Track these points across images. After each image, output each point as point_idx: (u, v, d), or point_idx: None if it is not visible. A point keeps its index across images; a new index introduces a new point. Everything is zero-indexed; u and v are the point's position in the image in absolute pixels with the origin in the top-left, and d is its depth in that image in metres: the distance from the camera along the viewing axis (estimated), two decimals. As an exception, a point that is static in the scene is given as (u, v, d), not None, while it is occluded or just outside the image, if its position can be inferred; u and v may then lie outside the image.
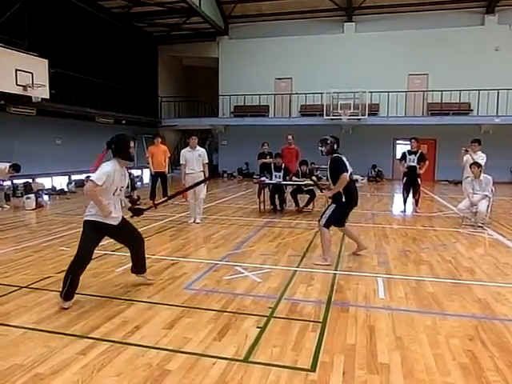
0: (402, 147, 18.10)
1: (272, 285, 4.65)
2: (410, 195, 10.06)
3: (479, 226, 8.06)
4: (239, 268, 5.28)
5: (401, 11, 19.25)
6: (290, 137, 11.37)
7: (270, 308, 3.98)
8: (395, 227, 8.24)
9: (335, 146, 5.60)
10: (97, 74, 16.13)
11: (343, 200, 5.51)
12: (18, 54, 11.28)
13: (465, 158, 9.15)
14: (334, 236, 7.24)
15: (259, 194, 10.12)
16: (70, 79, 14.37)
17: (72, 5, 15.23)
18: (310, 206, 10.02)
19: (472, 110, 18.62)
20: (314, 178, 6.29)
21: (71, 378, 2.76)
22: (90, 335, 3.38)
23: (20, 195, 10.84)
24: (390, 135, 19.62)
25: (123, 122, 18.38)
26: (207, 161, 8.62)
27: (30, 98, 11.56)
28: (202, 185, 8.42)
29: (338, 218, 5.68)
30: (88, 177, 12.33)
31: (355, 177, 18.88)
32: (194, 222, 8.45)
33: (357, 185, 16.40)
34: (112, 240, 6.87)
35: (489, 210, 8.25)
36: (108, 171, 4.03)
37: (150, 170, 11.88)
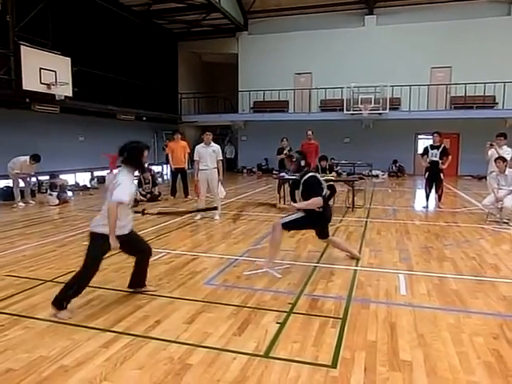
0: (423, 142, 17.76)
1: (292, 280, 4.65)
2: (433, 191, 9.88)
3: (505, 222, 7.87)
4: (259, 263, 5.28)
5: (422, 2, 18.84)
6: (309, 132, 11.30)
7: (289, 304, 3.97)
8: (417, 223, 8.11)
9: (302, 163, 5.22)
10: (118, 72, 16.31)
11: (315, 215, 5.09)
12: (42, 53, 11.49)
13: (490, 153, 8.94)
14: (355, 232, 7.20)
15: (279, 189, 10.10)
16: (92, 77, 14.57)
17: (94, 3, 15.43)
18: (331, 202, 9.91)
19: (497, 103, 18.13)
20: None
21: (95, 371, 2.82)
22: (112, 329, 3.44)
23: (45, 191, 11.08)
24: (411, 130, 19.29)
25: (144, 118, 18.56)
26: (221, 157, 8.60)
27: (54, 95, 11.77)
28: (217, 183, 8.46)
29: (298, 227, 5.40)
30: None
31: (375, 172, 18.78)
32: (201, 218, 8.42)
33: (377, 180, 16.25)
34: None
35: (513, 206, 8.04)
36: (130, 187, 3.88)
37: (170, 167, 12.00)
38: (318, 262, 5.37)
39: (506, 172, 7.99)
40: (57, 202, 10.56)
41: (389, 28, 19.42)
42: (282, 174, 10.09)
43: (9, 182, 11.04)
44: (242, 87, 21.42)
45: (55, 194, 10.69)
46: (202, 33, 21.37)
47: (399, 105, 19.02)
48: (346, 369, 2.83)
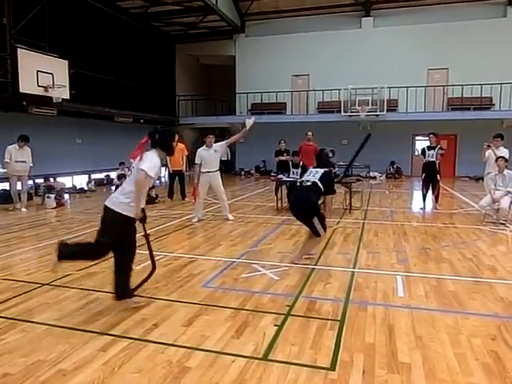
0: (421, 143, 17.80)
1: (289, 283, 4.64)
2: (430, 191, 9.90)
3: (501, 223, 7.89)
4: (257, 266, 5.28)
5: (419, 4, 18.90)
6: (309, 133, 11.33)
7: (287, 306, 3.97)
8: (414, 225, 8.13)
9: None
10: (115, 74, 16.32)
11: None
12: (39, 55, 11.48)
13: (487, 154, 8.98)
14: (352, 234, 7.21)
15: (276, 191, 10.10)
16: (89, 79, 14.56)
17: (91, 6, 15.43)
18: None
19: (494, 105, 18.19)
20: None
21: (93, 374, 2.81)
22: (110, 332, 3.43)
23: (41, 194, 11.05)
24: (408, 131, 19.33)
25: (141, 121, 18.54)
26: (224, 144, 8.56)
27: (51, 98, 11.76)
28: (220, 183, 8.46)
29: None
30: (126, 166, 12.19)
31: (372, 174, 18.79)
32: (199, 221, 8.43)
33: (375, 182, 16.26)
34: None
35: (511, 207, 8.06)
36: (156, 163, 3.83)
37: (168, 169, 11.99)
38: (315, 264, 5.37)
39: (505, 172, 8.02)
40: (54, 205, 10.53)
41: (386, 30, 19.49)
42: (279, 176, 10.10)
43: (5, 185, 10.99)
44: (240, 89, 21.43)
45: (52, 196, 10.66)
46: (199, 35, 21.40)
47: (396, 106, 19.06)
48: (345, 371, 2.83)
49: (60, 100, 12.06)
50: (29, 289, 4.46)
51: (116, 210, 3.79)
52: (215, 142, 8.51)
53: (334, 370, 2.85)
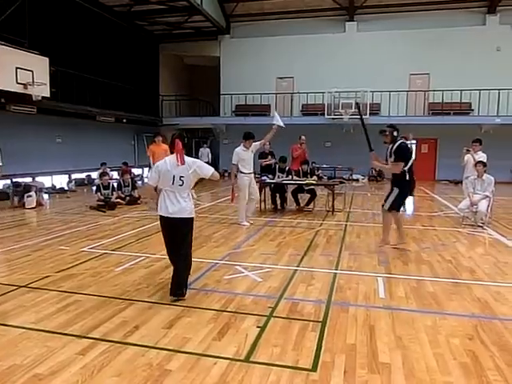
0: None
1: (272, 284, 4.64)
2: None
3: (479, 226, 8.05)
4: (239, 267, 5.27)
5: (402, 11, 19.17)
6: (303, 137, 11.43)
7: (270, 307, 3.97)
8: (395, 227, 8.20)
9: (395, 133, 6.30)
10: (98, 73, 16.11)
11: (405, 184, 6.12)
12: (18, 52, 11.25)
13: (466, 158, 9.14)
14: (334, 236, 7.25)
15: (260, 193, 10.10)
16: (70, 78, 14.35)
17: (73, 3, 15.21)
18: (311, 206, 10.01)
19: (473, 110, 18.58)
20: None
21: (71, 379, 2.75)
22: (89, 335, 3.37)
23: (20, 194, 10.82)
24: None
25: (124, 120, 18.37)
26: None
27: (31, 96, 11.52)
28: (256, 185, 8.48)
29: (399, 202, 6.32)
30: (107, 166, 11.75)
31: (355, 176, 18.98)
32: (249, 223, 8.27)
33: (357, 184, 16.45)
34: (112, 239, 6.92)
35: (489, 210, 8.23)
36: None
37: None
38: (298, 266, 5.38)
39: (484, 177, 8.19)
40: (33, 204, 10.33)
41: (369, 35, 19.70)
42: (263, 178, 10.11)
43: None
44: (224, 90, 21.39)
45: (32, 196, 10.45)
46: (183, 35, 21.30)
47: (379, 110, 19.27)
48: (326, 372, 2.84)
49: (40, 98, 11.84)
50: (4, 291, 4.35)
51: (193, 215, 4.31)
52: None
53: (315, 370, 2.86)
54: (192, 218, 4.30)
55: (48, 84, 12.11)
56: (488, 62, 18.16)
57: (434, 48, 18.74)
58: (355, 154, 19.24)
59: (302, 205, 10.07)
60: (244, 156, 8.07)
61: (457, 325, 3.62)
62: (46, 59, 12.16)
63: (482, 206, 8.00)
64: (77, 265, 5.37)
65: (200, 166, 4.26)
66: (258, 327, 3.53)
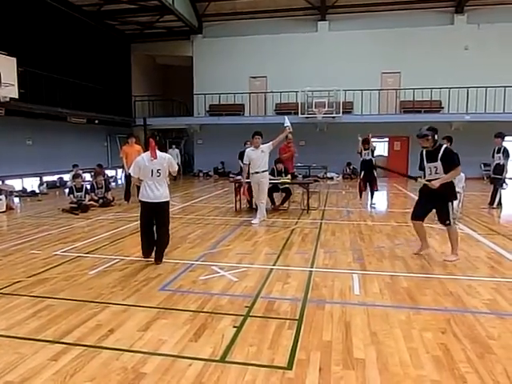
0: (376, 144, 18.32)
1: (248, 284, 4.64)
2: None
3: (451, 221, 8.23)
4: (215, 268, 5.25)
5: (373, 10, 19.49)
6: (290, 135, 11.41)
7: (246, 307, 3.97)
8: (370, 224, 8.35)
9: (436, 137, 5.82)
10: (68, 73, 15.78)
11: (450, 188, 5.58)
12: (-16, 52, 10.94)
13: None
14: (310, 234, 7.30)
15: (236, 193, 10.09)
16: (39, 78, 14.01)
17: (41, 2, 14.85)
18: (286, 204, 10.06)
19: (443, 108, 19.03)
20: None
21: (42, 385, 2.69)
22: (62, 340, 3.30)
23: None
24: (364, 133, 19.79)
25: (96, 121, 18.06)
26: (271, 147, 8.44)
27: (-2, 97, 11.23)
28: (266, 184, 8.46)
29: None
30: (79, 168, 11.52)
31: (330, 174, 19.17)
32: (264, 220, 8.38)
33: (332, 182, 16.59)
34: (85, 242, 6.80)
35: (460, 206, 8.44)
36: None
37: (125, 171, 11.70)
38: (274, 265, 5.40)
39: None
40: (3, 208, 10.04)
41: (341, 34, 19.94)
42: (238, 178, 10.10)
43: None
44: (198, 90, 21.27)
45: (1, 200, 10.15)
46: (155, 35, 21.08)
47: (352, 109, 19.54)
48: (302, 370, 2.86)
49: (8, 99, 11.54)
50: (-27, 298, 4.22)
51: (169, 199, 5.57)
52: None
53: (291, 369, 2.87)
54: (168, 202, 5.56)
55: (16, 85, 11.80)
56: (457, 61, 18.66)
57: (405, 47, 19.14)
58: (329, 152, 19.56)
59: (277, 204, 10.10)
60: (252, 155, 8.31)
61: (430, 319, 3.70)
62: (14, 59, 11.84)
63: (454, 202, 8.18)
64: (49, 269, 5.24)
65: (171, 163, 5.53)
66: (235, 327, 3.53)
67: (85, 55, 17.52)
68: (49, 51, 15.19)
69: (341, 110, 18.49)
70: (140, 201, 5.50)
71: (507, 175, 9.99)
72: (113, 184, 16.07)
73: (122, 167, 12.18)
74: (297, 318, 3.73)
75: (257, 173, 8.28)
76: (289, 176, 9.99)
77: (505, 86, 17.37)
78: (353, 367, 2.89)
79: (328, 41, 19.97)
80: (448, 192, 5.53)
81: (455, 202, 8.12)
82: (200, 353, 3.09)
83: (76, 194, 10.29)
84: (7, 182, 12.70)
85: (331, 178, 19.06)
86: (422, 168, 5.92)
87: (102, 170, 14.76)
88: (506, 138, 10.07)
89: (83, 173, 14.12)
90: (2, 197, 10.23)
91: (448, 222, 5.55)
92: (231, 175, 16.61)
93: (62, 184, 15.79)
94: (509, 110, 17.70)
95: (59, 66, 15.50)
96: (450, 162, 5.44)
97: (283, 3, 19.72)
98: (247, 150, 8.51)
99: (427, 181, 5.62)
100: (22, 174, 14.52)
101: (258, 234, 7.34)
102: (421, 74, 18.69)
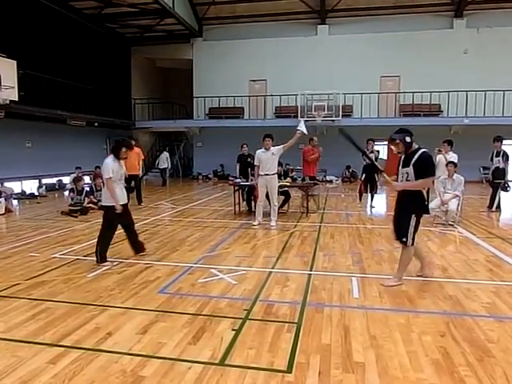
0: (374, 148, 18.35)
1: (247, 287, 4.64)
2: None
3: (450, 225, 8.24)
4: (214, 270, 5.24)
5: (373, 14, 19.56)
6: (315, 138, 11.20)
7: (245, 310, 3.96)
8: (369, 227, 8.35)
9: (407, 139, 4.77)
10: (68, 76, 15.79)
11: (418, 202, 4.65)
12: (-16, 54, 10.95)
13: (437, 158, 9.36)
14: (309, 237, 7.30)
15: (235, 195, 10.08)
16: (40, 81, 14.02)
17: (42, 5, 14.88)
18: (285, 207, 10.05)
19: (442, 111, 19.06)
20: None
21: (41, 388, 2.68)
22: (60, 343, 3.29)
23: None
24: (363, 136, 19.68)
25: (96, 124, 18.06)
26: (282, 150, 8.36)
27: (-2, 99, 11.23)
28: (276, 187, 8.44)
29: (416, 229, 4.78)
30: (81, 170, 11.54)
31: (329, 177, 19.17)
32: (259, 224, 8.40)
33: (331, 185, 16.57)
34: (84, 244, 6.79)
35: (459, 209, 8.45)
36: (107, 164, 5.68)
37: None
38: (273, 268, 5.40)
39: (454, 176, 8.41)
40: (2, 211, 10.03)
41: (341, 38, 19.99)
42: (237, 180, 10.10)
43: None
44: (197, 93, 21.31)
45: (0, 202, 10.14)
46: (155, 38, 21.11)
47: (351, 112, 19.56)
48: (301, 373, 2.85)
49: (8, 102, 11.54)
50: (-28, 300, 4.21)
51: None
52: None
53: (290, 372, 2.87)
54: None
55: (16, 87, 11.82)
56: (456, 65, 18.71)
57: (404, 51, 19.19)
58: (328, 155, 19.51)
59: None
60: (262, 157, 8.29)
61: (429, 322, 3.69)
62: (14, 62, 11.86)
63: (453, 205, 8.21)
64: (48, 271, 5.23)
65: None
66: (234, 330, 3.52)
67: (85, 58, 17.54)
68: (49, 54, 15.21)
69: (340, 114, 18.51)
70: (112, 206, 5.58)
71: (507, 178, 10.02)
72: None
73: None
74: (296, 321, 3.72)
75: (266, 175, 8.26)
76: (288, 179, 9.99)
77: (504, 90, 17.42)
78: (352, 371, 2.89)
79: (328, 44, 20.01)
80: (409, 202, 4.64)
81: (454, 205, 8.21)
82: (199, 356, 3.08)
83: (76, 196, 10.27)
84: (6, 184, 12.68)
85: (330, 181, 19.07)
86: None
87: (101, 172, 14.73)
88: (505, 142, 10.10)
89: (83, 175, 14.11)
90: (1, 199, 10.21)
91: (405, 239, 4.65)
92: (230, 178, 16.61)
93: (62, 186, 15.78)
94: (508, 113, 17.71)
95: (59, 68, 15.51)
96: (423, 170, 4.50)
97: (283, 7, 19.76)
98: (257, 151, 8.43)
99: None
100: (21, 176, 14.52)
101: (256, 237, 7.34)
102: (420, 78, 18.72)
